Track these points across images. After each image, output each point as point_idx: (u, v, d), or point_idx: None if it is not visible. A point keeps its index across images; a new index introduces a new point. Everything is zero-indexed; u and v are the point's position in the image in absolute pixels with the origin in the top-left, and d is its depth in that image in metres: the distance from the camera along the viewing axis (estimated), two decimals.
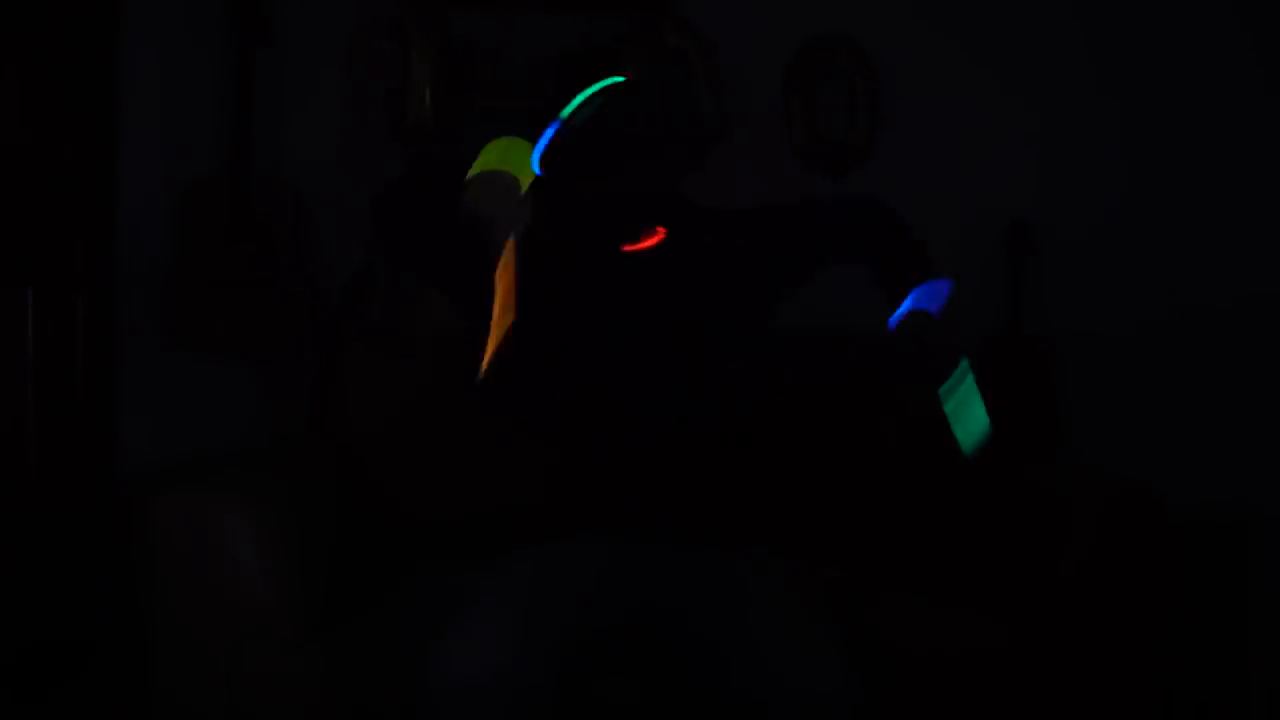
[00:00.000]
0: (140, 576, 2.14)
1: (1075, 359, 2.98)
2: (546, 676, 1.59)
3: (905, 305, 1.87)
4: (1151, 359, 2.90)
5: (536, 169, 1.79)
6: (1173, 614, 2.11)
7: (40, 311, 2.64)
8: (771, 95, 2.99)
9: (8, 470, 2.59)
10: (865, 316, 2.91)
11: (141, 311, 2.87)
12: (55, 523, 2.67)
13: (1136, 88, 2.95)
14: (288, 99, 2.92)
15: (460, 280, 1.86)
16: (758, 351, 1.94)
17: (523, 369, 1.84)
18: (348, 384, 2.39)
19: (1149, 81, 2.93)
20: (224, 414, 2.92)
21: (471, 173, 1.74)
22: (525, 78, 2.92)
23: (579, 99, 1.80)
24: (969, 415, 1.70)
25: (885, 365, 1.91)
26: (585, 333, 1.89)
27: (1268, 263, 2.71)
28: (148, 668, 1.94)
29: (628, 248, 1.92)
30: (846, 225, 2.01)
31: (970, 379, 1.73)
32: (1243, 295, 2.75)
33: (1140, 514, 2.00)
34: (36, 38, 2.62)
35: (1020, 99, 3.02)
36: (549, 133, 1.79)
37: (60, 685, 2.58)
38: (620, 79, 1.84)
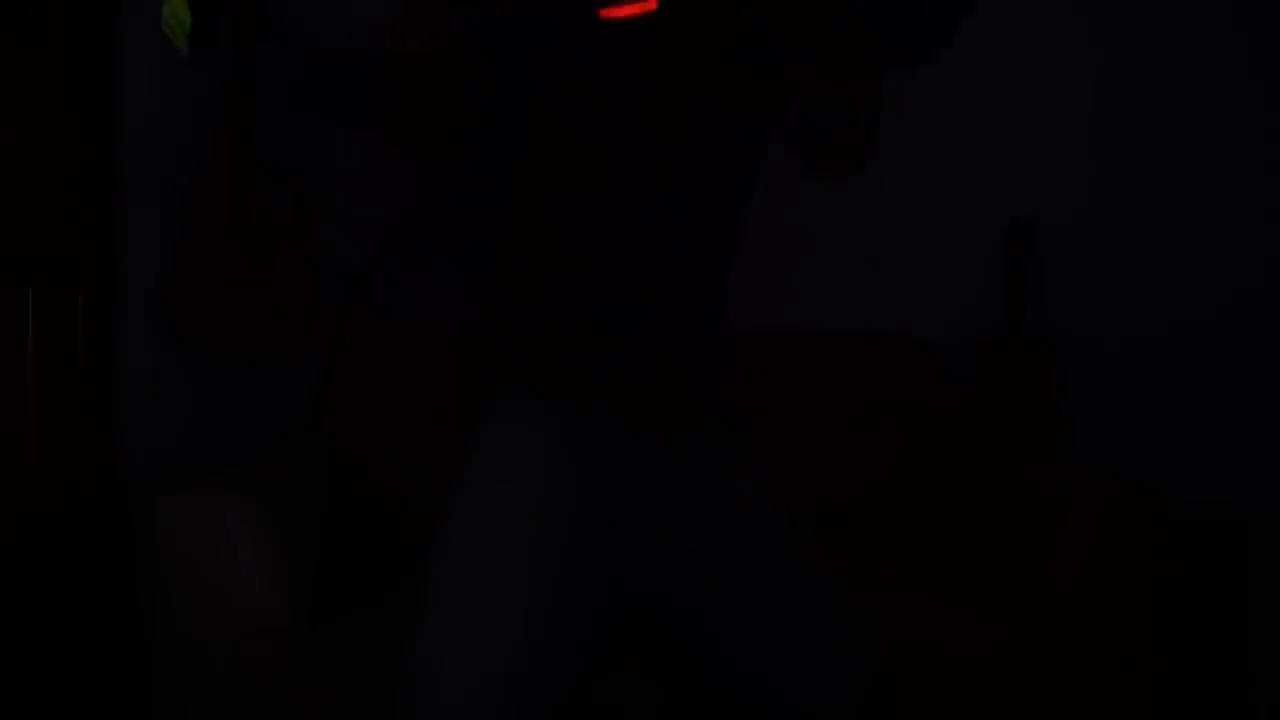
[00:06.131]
0: (140, 576, 2.15)
1: (1075, 359, 2.97)
2: (548, 679, 1.58)
3: None
4: (1151, 359, 2.89)
5: None
6: (1173, 613, 2.12)
7: (40, 311, 2.64)
8: None
9: (8, 470, 2.59)
10: (863, 316, 2.92)
11: (141, 311, 2.87)
12: (55, 523, 2.67)
13: (1137, 88, 2.95)
14: None
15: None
16: (751, 156, 1.60)
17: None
18: (348, 384, 2.39)
19: (1149, 82, 2.92)
20: (224, 414, 2.92)
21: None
22: None
23: None
24: None
25: None
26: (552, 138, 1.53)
27: (1267, 263, 2.71)
28: (148, 666, 1.94)
29: (606, 13, 1.55)
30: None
31: None
32: (1243, 295, 2.75)
33: (1141, 514, 2.00)
34: (36, 38, 2.62)
35: (1021, 99, 3.02)
36: None
37: (60, 685, 2.58)
38: None
